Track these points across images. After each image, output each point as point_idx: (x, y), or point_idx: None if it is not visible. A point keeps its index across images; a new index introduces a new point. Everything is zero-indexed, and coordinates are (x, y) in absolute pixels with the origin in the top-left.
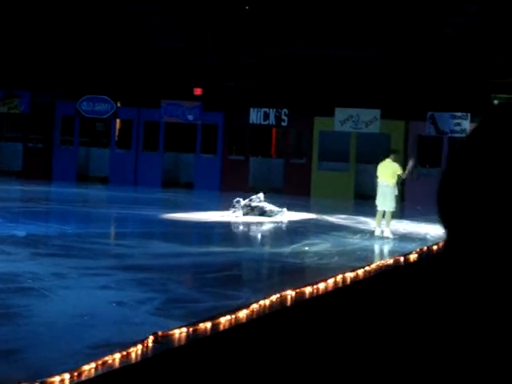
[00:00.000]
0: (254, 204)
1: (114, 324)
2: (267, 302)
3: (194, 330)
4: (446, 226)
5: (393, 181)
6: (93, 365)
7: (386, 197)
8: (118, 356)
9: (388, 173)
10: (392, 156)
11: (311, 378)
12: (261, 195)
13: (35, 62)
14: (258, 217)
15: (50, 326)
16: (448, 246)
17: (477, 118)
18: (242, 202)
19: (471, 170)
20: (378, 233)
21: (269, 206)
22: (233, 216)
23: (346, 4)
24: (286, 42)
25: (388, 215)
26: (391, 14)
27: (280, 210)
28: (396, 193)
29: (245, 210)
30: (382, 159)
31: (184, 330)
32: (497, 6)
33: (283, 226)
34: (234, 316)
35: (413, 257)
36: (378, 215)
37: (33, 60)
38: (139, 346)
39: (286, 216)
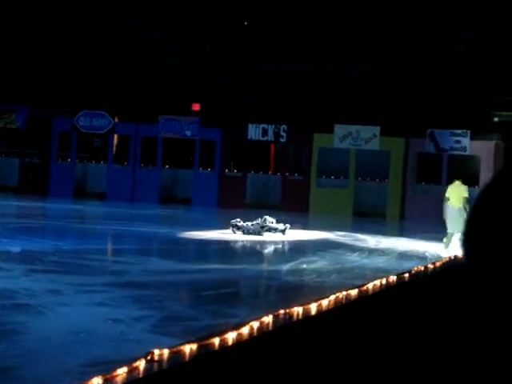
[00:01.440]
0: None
1: (111, 341)
2: (265, 319)
3: (190, 348)
4: (469, 250)
5: (459, 204)
6: (89, 382)
7: (454, 219)
8: (114, 374)
9: (455, 195)
10: (462, 179)
11: None
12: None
13: (32, 77)
14: (255, 235)
15: (46, 343)
16: (470, 263)
17: (476, 135)
18: (243, 223)
19: (499, 208)
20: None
21: (272, 224)
22: (231, 233)
23: (346, 20)
24: (285, 58)
25: (450, 237)
26: (392, 31)
27: (284, 226)
28: (464, 216)
29: (246, 229)
30: (453, 181)
31: (181, 347)
32: (498, 24)
33: (281, 243)
34: (231, 334)
35: (411, 275)
36: (448, 238)
37: (30, 75)
38: (135, 364)
39: (286, 233)
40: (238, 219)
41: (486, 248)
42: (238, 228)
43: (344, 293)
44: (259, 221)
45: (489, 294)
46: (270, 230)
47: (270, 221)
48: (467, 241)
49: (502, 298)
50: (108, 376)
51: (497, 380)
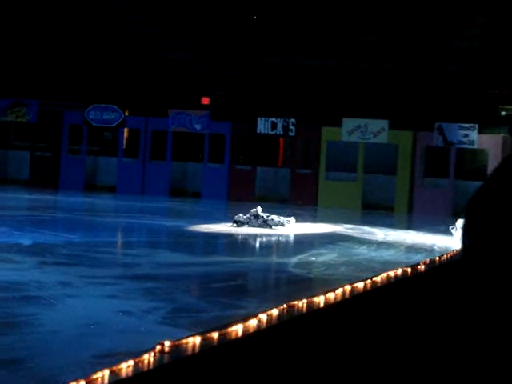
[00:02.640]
0: (258, 214)
1: (121, 333)
2: (273, 311)
3: (201, 340)
4: (470, 236)
5: None
6: (99, 374)
7: None
8: (124, 365)
9: None
10: None
11: None
12: (259, 208)
13: (43, 71)
14: (264, 228)
15: (57, 335)
16: (469, 255)
17: (484, 129)
18: (244, 216)
19: (498, 201)
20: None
21: (274, 217)
22: (238, 227)
23: (354, 14)
24: (293, 52)
25: None
26: (400, 25)
27: (287, 219)
28: None
29: (249, 221)
30: None
31: (191, 339)
32: (505, 17)
33: (289, 236)
34: (240, 326)
35: (419, 268)
36: None
37: (40, 69)
38: (146, 356)
39: (293, 226)
40: (241, 214)
41: (484, 241)
42: (241, 223)
43: (352, 285)
44: (259, 214)
45: (486, 287)
46: (270, 223)
47: (268, 215)
48: (466, 233)
49: (500, 290)
50: (118, 367)
51: (497, 377)
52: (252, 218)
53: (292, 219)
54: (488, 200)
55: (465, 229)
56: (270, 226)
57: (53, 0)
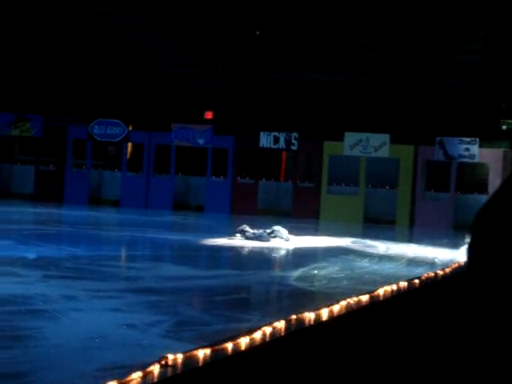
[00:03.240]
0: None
1: (125, 346)
2: (277, 325)
3: (204, 353)
4: (476, 251)
5: None
6: None
7: None
8: (129, 378)
9: None
10: None
11: None
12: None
13: (47, 86)
14: (265, 241)
15: (61, 349)
16: (474, 268)
17: (485, 143)
18: (250, 230)
19: (503, 218)
20: None
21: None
22: (241, 240)
23: (355, 30)
24: (296, 67)
25: None
26: (401, 40)
27: (287, 236)
28: None
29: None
30: None
31: (194, 352)
32: (505, 32)
33: (292, 249)
34: (243, 339)
35: (421, 281)
36: None
37: (45, 84)
38: (149, 369)
39: (295, 240)
40: (245, 225)
41: (489, 255)
42: (245, 233)
43: (355, 299)
44: (267, 230)
45: (490, 298)
46: (275, 236)
47: (278, 229)
48: (472, 247)
49: (501, 303)
50: (122, 381)
51: (498, 380)
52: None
53: (291, 237)
54: (493, 216)
55: (471, 243)
56: (269, 239)
57: (56, 15)
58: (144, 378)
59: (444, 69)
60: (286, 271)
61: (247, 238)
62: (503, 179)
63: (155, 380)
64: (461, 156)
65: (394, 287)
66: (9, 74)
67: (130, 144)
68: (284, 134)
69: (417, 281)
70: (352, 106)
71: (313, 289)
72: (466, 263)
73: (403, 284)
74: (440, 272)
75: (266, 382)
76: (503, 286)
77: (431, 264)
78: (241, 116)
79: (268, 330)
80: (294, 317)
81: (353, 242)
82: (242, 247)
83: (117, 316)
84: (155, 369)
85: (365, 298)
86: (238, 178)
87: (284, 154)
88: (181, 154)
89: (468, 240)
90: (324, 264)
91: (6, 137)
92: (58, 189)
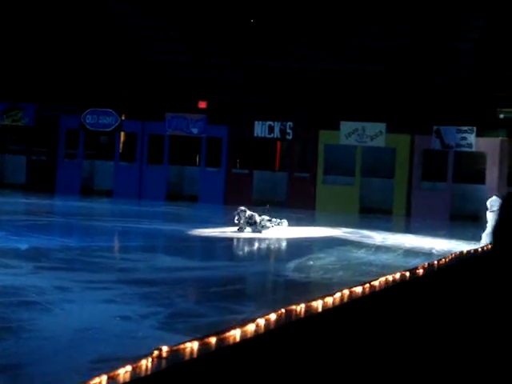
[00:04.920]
0: (252, 216)
1: (118, 338)
2: (272, 316)
3: (198, 345)
4: (497, 245)
5: None
6: (97, 379)
7: None
8: (122, 371)
9: None
10: None
11: None
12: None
13: (39, 75)
14: (259, 232)
15: (53, 340)
16: (496, 262)
17: (482, 132)
18: (247, 213)
19: None
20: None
21: (268, 218)
22: (236, 229)
23: (351, 18)
24: (291, 56)
25: None
26: (397, 28)
27: (280, 221)
28: None
29: (245, 222)
30: None
31: (189, 344)
32: (503, 20)
33: (288, 240)
34: (238, 331)
35: (417, 272)
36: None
37: (37, 73)
38: (144, 361)
39: (290, 230)
40: (243, 208)
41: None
42: (243, 215)
43: (351, 289)
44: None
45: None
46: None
47: (265, 218)
48: (496, 236)
49: None
50: (115, 373)
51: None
52: (245, 217)
53: (285, 222)
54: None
55: (495, 232)
56: (267, 227)
57: (50, 4)
58: (137, 370)
59: (441, 57)
60: (281, 262)
61: (244, 220)
62: (501, 168)
63: (149, 372)
64: (458, 145)
65: (391, 278)
66: (1, 62)
67: (122, 133)
68: (279, 123)
69: (414, 271)
70: (348, 95)
71: (309, 280)
72: (491, 250)
73: (399, 275)
74: (437, 262)
75: (261, 374)
76: None
77: (428, 254)
78: (235, 105)
79: (262, 321)
80: (289, 308)
81: (349, 233)
82: (236, 238)
83: (110, 307)
84: (149, 361)
85: (361, 288)
86: (233, 168)
87: (279, 143)
88: (174, 143)
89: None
90: (320, 255)
91: None
92: (50, 179)
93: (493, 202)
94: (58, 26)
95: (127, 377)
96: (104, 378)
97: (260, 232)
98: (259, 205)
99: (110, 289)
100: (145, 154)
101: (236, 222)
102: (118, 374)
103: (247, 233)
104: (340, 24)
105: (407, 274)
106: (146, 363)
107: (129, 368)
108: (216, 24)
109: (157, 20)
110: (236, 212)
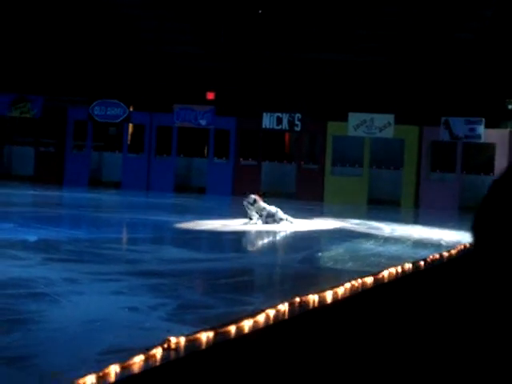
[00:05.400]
0: (264, 208)
1: (126, 329)
2: (281, 307)
3: (206, 336)
4: (478, 239)
5: None
6: (106, 370)
7: None
8: (131, 361)
9: None
10: None
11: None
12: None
13: (47, 67)
14: (270, 224)
15: (62, 332)
16: (477, 256)
17: (491, 123)
18: (260, 204)
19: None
20: None
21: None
22: (245, 221)
23: (359, 8)
24: (300, 47)
25: None
26: (406, 18)
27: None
28: None
29: (257, 213)
30: None
31: (197, 335)
32: (511, 10)
33: (296, 231)
34: (247, 322)
35: (426, 263)
36: None
37: (45, 64)
38: (152, 352)
39: (298, 222)
40: (254, 196)
41: (492, 239)
42: (254, 204)
43: (360, 280)
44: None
45: (492, 283)
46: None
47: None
48: (475, 231)
49: (505, 285)
50: (124, 364)
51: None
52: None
53: (292, 220)
54: (498, 200)
55: (474, 227)
56: (277, 220)
57: None
58: (146, 361)
59: (449, 48)
60: (290, 253)
61: (254, 207)
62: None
63: (158, 363)
64: (466, 136)
65: (400, 269)
66: (9, 53)
67: (131, 125)
68: (287, 114)
69: (422, 263)
70: (356, 86)
71: (317, 271)
72: (471, 246)
73: (408, 266)
74: (446, 254)
75: (270, 365)
76: (507, 270)
77: (437, 246)
78: (243, 96)
79: (272, 312)
80: (297, 299)
81: (357, 224)
82: (244, 230)
83: (118, 299)
84: (158, 352)
85: (370, 279)
86: (241, 159)
87: (287, 134)
88: (182, 135)
89: (471, 224)
90: (329, 246)
91: (6, 118)
92: (58, 170)
93: None
94: (66, 17)
95: (136, 367)
96: (113, 368)
97: (278, 223)
98: (267, 196)
99: (119, 280)
100: (153, 145)
101: (248, 209)
102: (128, 365)
103: (256, 225)
104: (347, 14)
105: (416, 264)
106: (155, 354)
107: (138, 359)
108: (224, 15)
109: (164, 11)
110: (247, 201)
